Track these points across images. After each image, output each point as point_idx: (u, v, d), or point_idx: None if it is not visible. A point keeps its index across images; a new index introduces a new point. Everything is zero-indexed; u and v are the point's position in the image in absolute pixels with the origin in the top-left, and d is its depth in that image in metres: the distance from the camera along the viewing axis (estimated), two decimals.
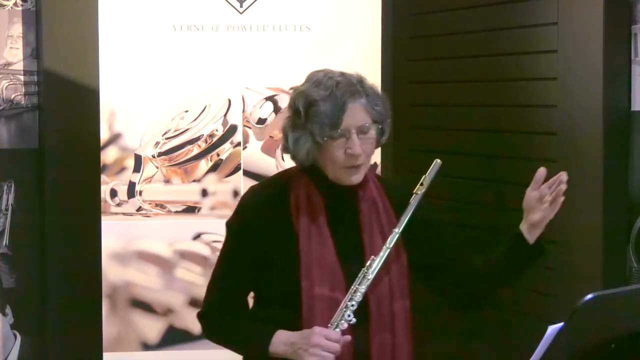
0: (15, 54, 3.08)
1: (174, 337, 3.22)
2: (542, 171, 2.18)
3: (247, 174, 3.24)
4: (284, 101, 3.24)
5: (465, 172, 2.95)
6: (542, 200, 2.17)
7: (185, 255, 3.23)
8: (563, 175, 2.15)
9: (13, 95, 3.08)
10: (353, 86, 2.15)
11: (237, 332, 2.25)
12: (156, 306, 3.21)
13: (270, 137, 3.24)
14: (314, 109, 2.13)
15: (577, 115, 2.55)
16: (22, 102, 3.10)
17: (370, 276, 2.13)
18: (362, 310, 2.13)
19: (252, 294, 2.32)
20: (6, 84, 3.08)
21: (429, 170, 2.23)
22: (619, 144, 2.50)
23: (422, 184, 2.22)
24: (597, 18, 2.47)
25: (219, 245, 3.22)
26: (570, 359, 1.59)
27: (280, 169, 3.22)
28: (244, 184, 3.22)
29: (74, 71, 3.04)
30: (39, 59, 3.08)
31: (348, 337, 2.10)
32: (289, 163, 3.12)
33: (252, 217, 2.22)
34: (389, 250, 2.17)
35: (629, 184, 2.50)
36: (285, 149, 2.24)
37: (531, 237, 2.20)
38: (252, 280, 2.24)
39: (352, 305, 2.11)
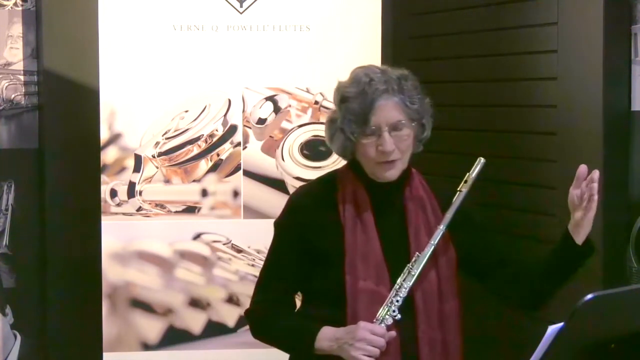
0: (15, 54, 3.08)
1: (174, 337, 3.22)
2: (582, 168, 2.14)
3: (247, 174, 3.23)
4: (284, 101, 3.24)
5: (465, 172, 2.95)
6: (582, 198, 2.14)
7: (185, 255, 3.22)
8: (595, 175, 2.11)
9: (13, 95, 3.09)
10: (387, 84, 2.15)
11: (283, 330, 2.25)
12: (156, 306, 3.21)
13: (270, 137, 3.24)
14: (345, 106, 2.16)
15: (577, 115, 2.55)
16: (22, 102, 3.10)
17: (415, 272, 2.14)
18: (407, 307, 2.14)
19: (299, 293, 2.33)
20: (6, 84, 3.08)
21: (473, 168, 2.24)
22: (619, 144, 2.50)
23: (466, 182, 2.23)
24: (597, 18, 2.47)
25: (219, 246, 3.25)
26: (570, 359, 1.59)
27: (281, 169, 3.23)
28: (244, 184, 3.22)
29: (74, 71, 3.04)
30: (39, 59, 3.08)
31: (393, 333, 2.11)
32: (289, 163, 3.11)
33: (300, 216, 2.24)
34: (433, 246, 2.17)
35: (629, 184, 2.50)
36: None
37: (578, 236, 2.16)
38: (300, 278, 2.26)
39: (397, 301, 2.12)
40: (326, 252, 2.20)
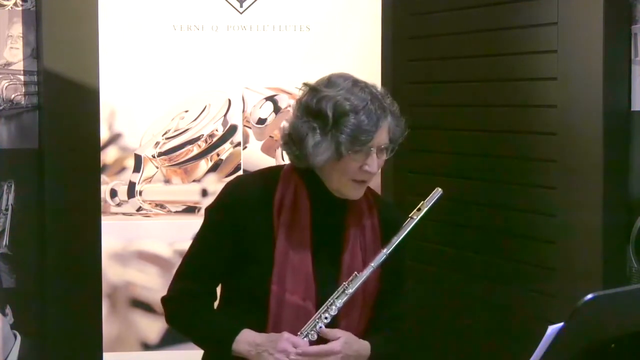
0: (15, 54, 3.08)
1: (174, 337, 3.21)
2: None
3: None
4: (284, 101, 3.24)
5: (464, 172, 2.95)
6: None
7: None
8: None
9: (13, 95, 3.08)
10: (381, 101, 2.08)
11: (202, 324, 2.19)
12: (156, 306, 3.21)
13: (270, 137, 3.24)
14: (346, 120, 2.04)
15: (577, 115, 2.55)
16: (22, 102, 3.09)
17: (350, 291, 2.09)
18: (331, 325, 2.10)
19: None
20: (6, 84, 3.08)
21: (429, 197, 2.17)
22: (619, 144, 2.50)
23: (419, 209, 2.15)
24: (597, 18, 2.46)
25: None
26: (570, 359, 1.59)
27: None
28: None
29: (74, 71, 3.04)
30: (39, 59, 3.07)
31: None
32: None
33: (233, 210, 2.15)
34: (373, 269, 2.11)
35: (629, 184, 2.50)
36: (286, 146, 2.13)
37: None
38: (224, 273, 2.19)
39: (326, 318, 2.07)
40: (255, 256, 2.13)
